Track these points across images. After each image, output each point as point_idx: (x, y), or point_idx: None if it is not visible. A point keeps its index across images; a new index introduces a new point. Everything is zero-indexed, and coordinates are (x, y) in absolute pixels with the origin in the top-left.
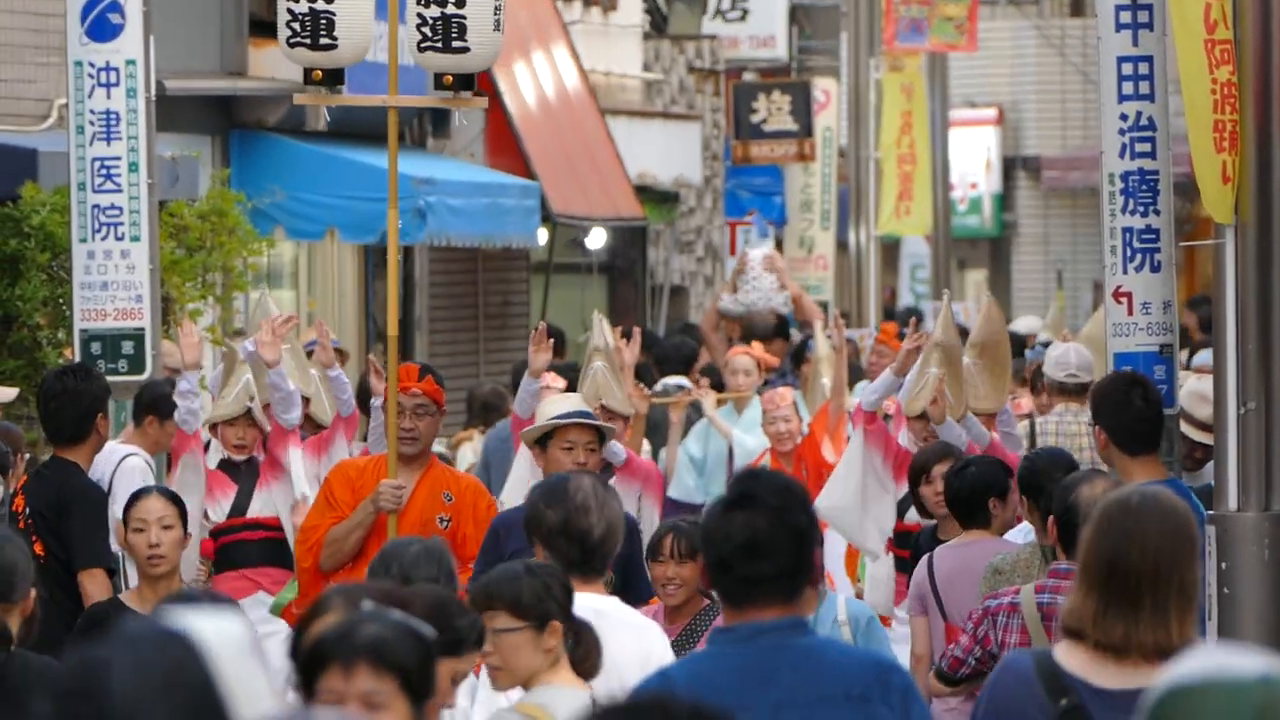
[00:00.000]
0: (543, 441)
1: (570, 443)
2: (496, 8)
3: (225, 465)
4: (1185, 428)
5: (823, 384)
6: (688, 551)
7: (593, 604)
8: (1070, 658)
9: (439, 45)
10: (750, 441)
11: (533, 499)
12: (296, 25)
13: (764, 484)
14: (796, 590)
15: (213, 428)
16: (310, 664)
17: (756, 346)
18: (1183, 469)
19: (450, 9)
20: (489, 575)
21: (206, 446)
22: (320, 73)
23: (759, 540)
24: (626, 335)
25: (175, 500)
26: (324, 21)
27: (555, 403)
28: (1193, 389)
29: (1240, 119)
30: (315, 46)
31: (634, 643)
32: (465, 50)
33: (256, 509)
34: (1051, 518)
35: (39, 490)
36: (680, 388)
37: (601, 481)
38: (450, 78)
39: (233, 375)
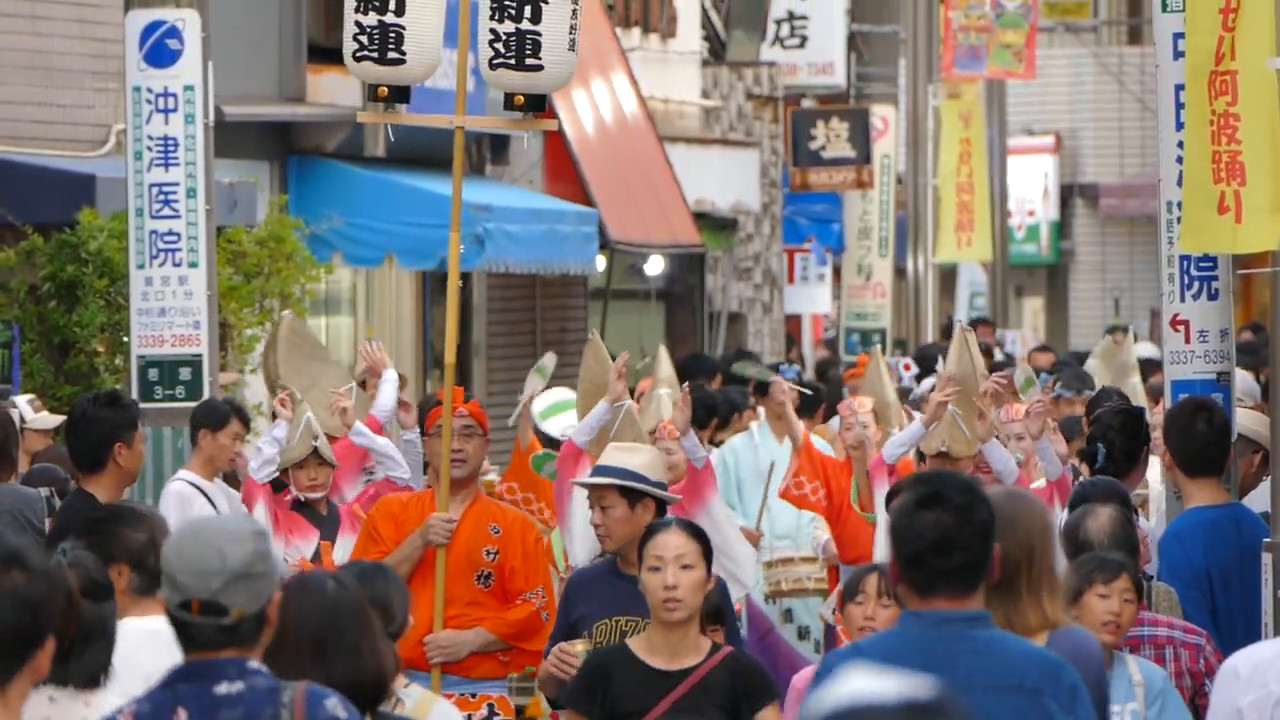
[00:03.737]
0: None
1: (599, 500)
2: (572, 26)
3: (301, 507)
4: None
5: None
6: (890, 591)
7: (152, 626)
8: None
9: (512, 62)
10: None
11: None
12: (364, 39)
13: (949, 483)
14: (979, 582)
15: (281, 472)
16: None
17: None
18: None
19: (526, 24)
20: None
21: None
22: (386, 89)
23: (950, 535)
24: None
25: (699, 536)
26: (393, 35)
27: (605, 454)
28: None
29: None
30: (383, 61)
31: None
32: (539, 68)
33: (340, 557)
34: (1067, 562)
35: (57, 524)
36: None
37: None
38: (521, 98)
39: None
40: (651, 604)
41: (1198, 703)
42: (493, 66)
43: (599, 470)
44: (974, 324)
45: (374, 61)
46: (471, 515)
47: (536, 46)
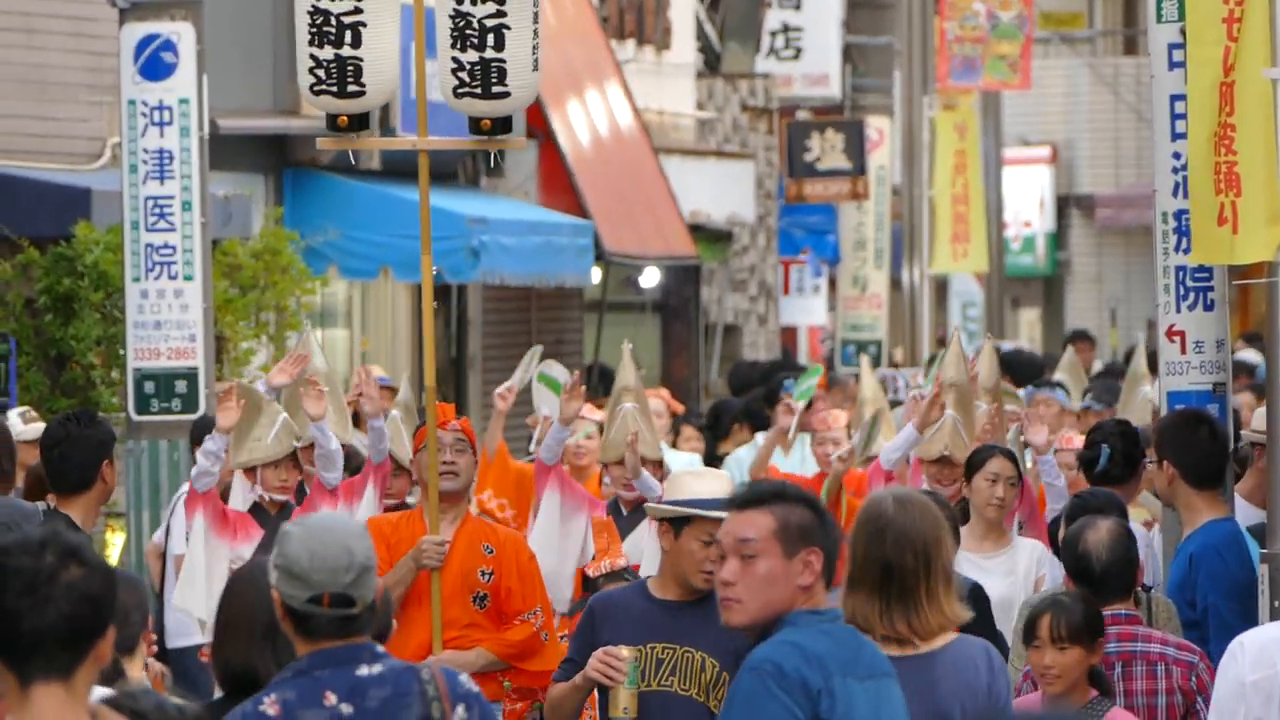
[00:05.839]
0: (675, 522)
1: (711, 536)
2: (534, 46)
3: (255, 509)
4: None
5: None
6: (1069, 635)
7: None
8: None
9: (478, 91)
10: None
11: None
12: (321, 72)
13: (789, 490)
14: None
15: (249, 470)
16: None
17: (664, 392)
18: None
19: (489, 53)
20: None
21: (224, 493)
22: (346, 119)
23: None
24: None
25: None
26: (351, 68)
27: (699, 479)
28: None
29: None
30: (342, 94)
31: None
32: (505, 95)
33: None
34: (1065, 573)
35: None
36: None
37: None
38: (489, 122)
39: (263, 415)
40: None
41: None
42: (457, 95)
43: (708, 504)
44: (1074, 338)
45: (333, 95)
46: (464, 536)
47: (502, 74)
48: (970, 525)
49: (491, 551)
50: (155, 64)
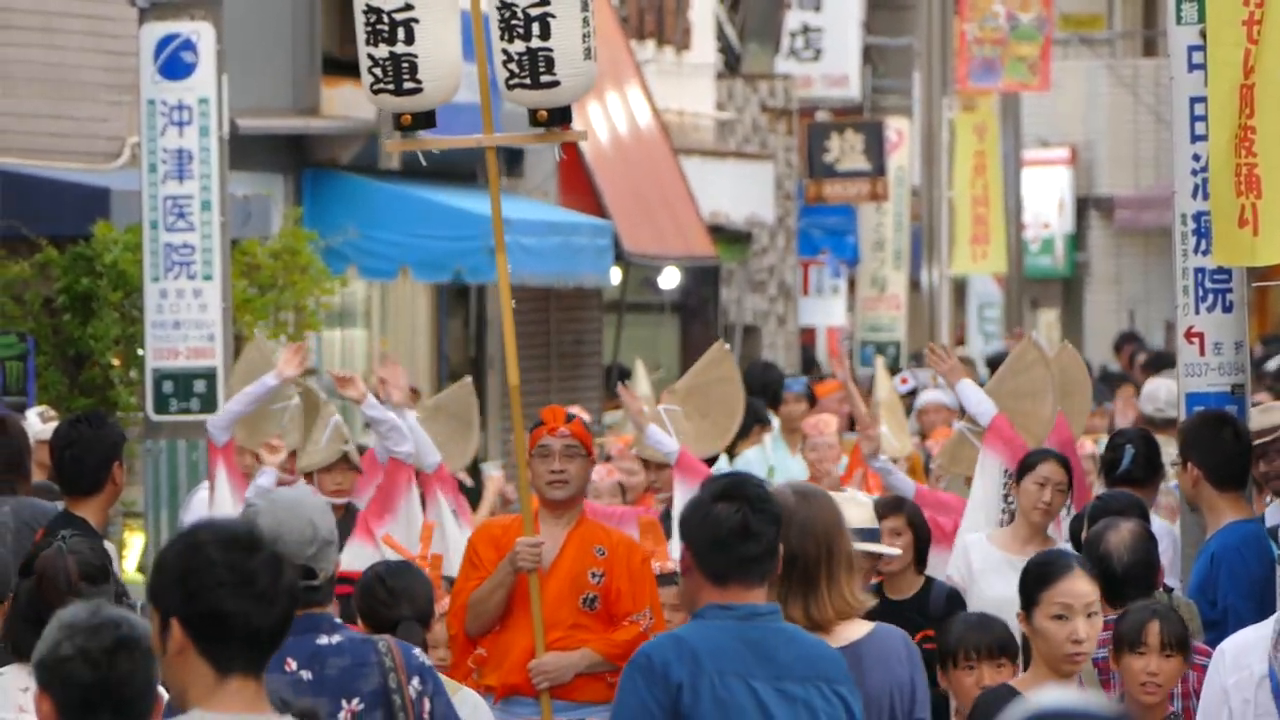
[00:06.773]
0: None
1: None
2: (585, 35)
3: None
4: None
5: (882, 430)
6: (1176, 643)
7: None
8: None
9: (527, 81)
10: None
11: None
12: (379, 71)
13: (741, 480)
14: (770, 573)
15: (306, 475)
16: None
17: None
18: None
19: (535, 42)
20: None
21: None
22: (409, 117)
23: (749, 523)
24: None
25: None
26: (406, 65)
27: (843, 506)
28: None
29: None
30: (400, 92)
31: None
32: (555, 84)
33: (346, 561)
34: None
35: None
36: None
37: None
38: (545, 113)
39: (319, 417)
40: (1050, 656)
41: None
42: (509, 87)
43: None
44: (1124, 340)
45: (391, 93)
46: (576, 538)
47: (550, 63)
48: (1014, 527)
49: (604, 553)
50: (175, 63)
